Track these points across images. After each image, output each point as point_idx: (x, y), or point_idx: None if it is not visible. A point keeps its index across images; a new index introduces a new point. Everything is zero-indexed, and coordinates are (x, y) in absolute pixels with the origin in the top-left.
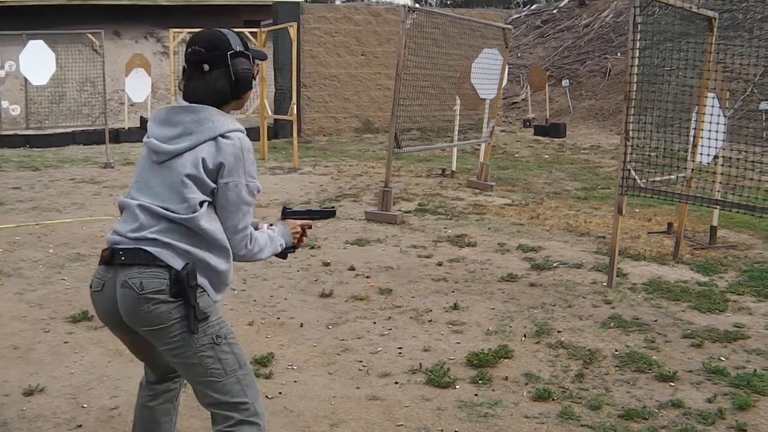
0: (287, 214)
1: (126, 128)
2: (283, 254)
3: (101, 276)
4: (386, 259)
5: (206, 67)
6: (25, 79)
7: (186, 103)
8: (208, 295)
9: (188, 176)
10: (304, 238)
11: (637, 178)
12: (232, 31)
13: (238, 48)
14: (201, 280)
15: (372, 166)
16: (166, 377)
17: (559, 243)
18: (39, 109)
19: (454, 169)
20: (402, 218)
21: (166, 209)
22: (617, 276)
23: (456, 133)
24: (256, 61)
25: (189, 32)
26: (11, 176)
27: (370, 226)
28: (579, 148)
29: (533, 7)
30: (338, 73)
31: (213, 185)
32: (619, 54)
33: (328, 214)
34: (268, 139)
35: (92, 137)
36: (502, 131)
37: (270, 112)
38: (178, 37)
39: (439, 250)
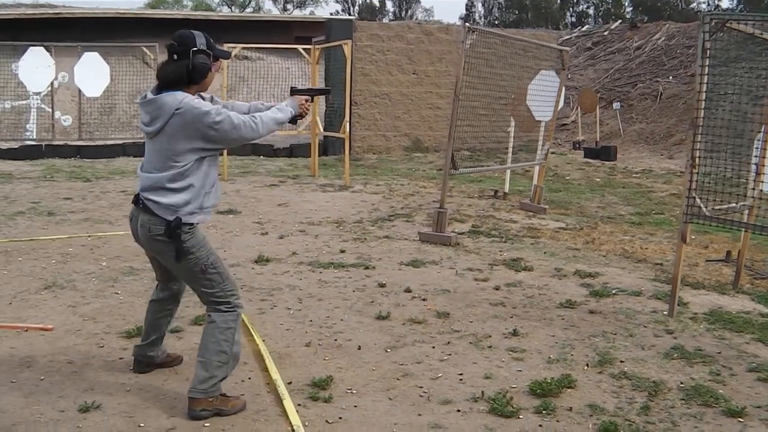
0: (294, 91)
1: None
2: (293, 121)
3: (133, 212)
4: (442, 281)
5: (175, 56)
6: (79, 90)
7: (149, 97)
8: (195, 226)
9: (168, 146)
10: (308, 109)
11: (702, 206)
12: (203, 33)
13: (201, 47)
14: (190, 210)
15: (423, 185)
16: (170, 279)
17: (616, 269)
18: (90, 120)
19: (506, 190)
20: (456, 240)
21: (157, 171)
22: (678, 305)
23: (510, 154)
24: (219, 60)
25: (243, 47)
26: (63, 187)
27: (424, 247)
28: (630, 171)
29: (584, 29)
30: (389, 92)
31: (190, 145)
32: (670, 77)
33: (325, 92)
34: (318, 155)
35: (143, 149)
36: (552, 153)
37: (321, 129)
38: (231, 51)
39: (495, 273)
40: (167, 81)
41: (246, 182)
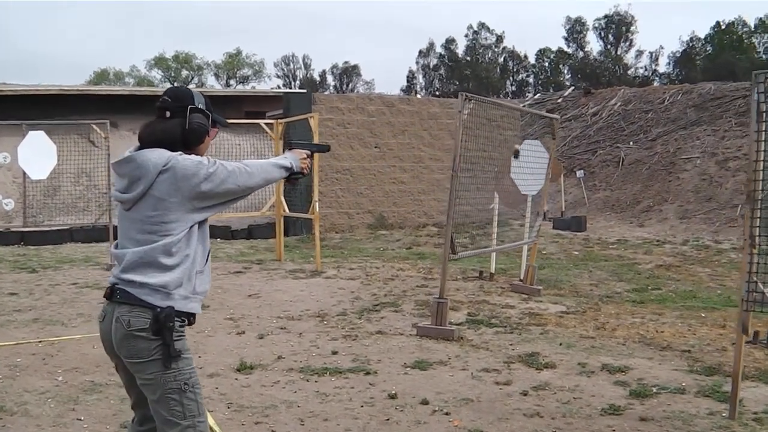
0: (294, 145)
1: None
2: (294, 178)
3: (104, 309)
4: (460, 388)
5: (168, 113)
6: (23, 173)
7: (126, 154)
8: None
9: (154, 214)
10: (307, 165)
11: (766, 291)
12: (200, 92)
13: (200, 105)
14: (184, 295)
15: (400, 268)
16: (147, 416)
17: (643, 360)
18: (33, 202)
19: (492, 271)
20: (459, 334)
21: (141, 247)
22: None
23: (495, 231)
24: (217, 126)
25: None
26: (7, 279)
27: (425, 343)
28: (606, 242)
29: (536, 97)
30: (351, 167)
31: (183, 208)
32: (631, 143)
33: (324, 148)
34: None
35: (91, 234)
36: (520, 225)
37: (287, 210)
38: None
39: (515, 374)
40: (154, 141)
41: None
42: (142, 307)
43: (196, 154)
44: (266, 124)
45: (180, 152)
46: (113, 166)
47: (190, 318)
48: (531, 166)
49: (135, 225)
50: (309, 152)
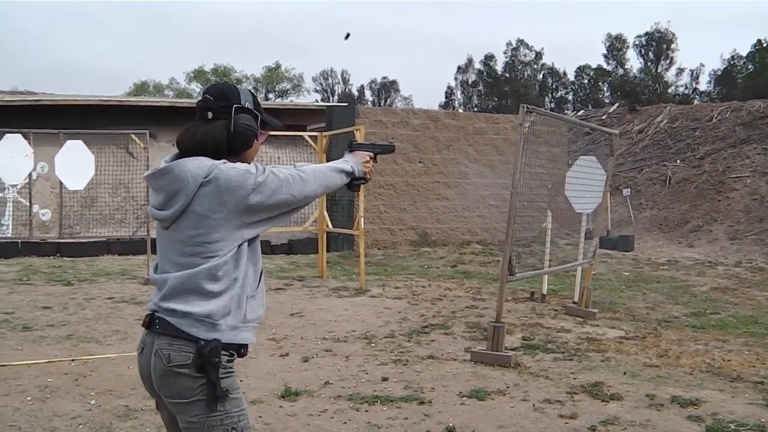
0: (354, 146)
1: None
2: (356, 185)
3: (143, 339)
4: (522, 421)
5: (210, 114)
6: (60, 183)
7: (162, 166)
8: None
9: (196, 233)
10: (370, 169)
11: None
12: (250, 91)
13: (247, 105)
14: (233, 325)
15: (448, 287)
16: None
17: (714, 392)
18: (69, 213)
19: (544, 292)
20: (516, 360)
21: (182, 271)
22: None
23: (548, 251)
24: (268, 129)
25: None
26: (41, 292)
27: (480, 370)
28: (656, 263)
29: (580, 113)
30: (394, 182)
31: (229, 224)
32: (678, 161)
33: (389, 148)
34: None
35: (128, 247)
36: (567, 245)
37: (330, 225)
38: None
39: (579, 406)
40: (196, 147)
41: None
42: (185, 339)
43: (243, 161)
44: (310, 136)
45: (224, 160)
46: (148, 180)
47: (240, 350)
48: (586, 183)
49: (175, 246)
50: (372, 154)
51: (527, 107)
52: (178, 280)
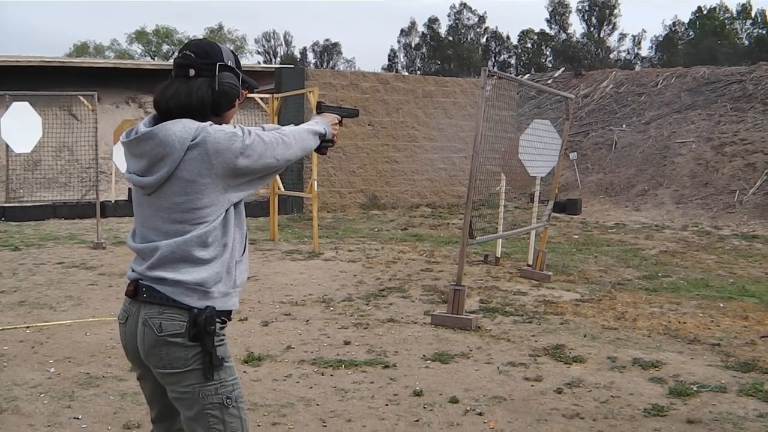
0: (323, 108)
1: (113, 201)
2: (324, 147)
3: (126, 308)
4: (488, 384)
5: (192, 72)
6: (7, 146)
7: (144, 130)
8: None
9: (185, 198)
10: (338, 132)
11: None
12: (231, 50)
13: (230, 63)
14: (224, 291)
15: (401, 250)
16: (172, 419)
17: (673, 354)
18: (12, 176)
19: (498, 255)
20: (477, 323)
21: (171, 239)
22: None
23: (501, 214)
24: (246, 88)
25: None
26: None
27: (442, 333)
28: (604, 227)
29: (525, 78)
30: (344, 144)
31: (217, 187)
32: (624, 126)
33: (354, 112)
34: (269, 216)
35: (75, 211)
36: (515, 207)
37: (282, 188)
38: None
39: (543, 368)
40: (179, 107)
41: None
42: (177, 308)
43: (223, 122)
44: (261, 98)
45: (209, 122)
46: (127, 145)
47: (229, 317)
48: (540, 147)
49: (160, 213)
50: (340, 117)
51: (489, 70)
52: (168, 248)
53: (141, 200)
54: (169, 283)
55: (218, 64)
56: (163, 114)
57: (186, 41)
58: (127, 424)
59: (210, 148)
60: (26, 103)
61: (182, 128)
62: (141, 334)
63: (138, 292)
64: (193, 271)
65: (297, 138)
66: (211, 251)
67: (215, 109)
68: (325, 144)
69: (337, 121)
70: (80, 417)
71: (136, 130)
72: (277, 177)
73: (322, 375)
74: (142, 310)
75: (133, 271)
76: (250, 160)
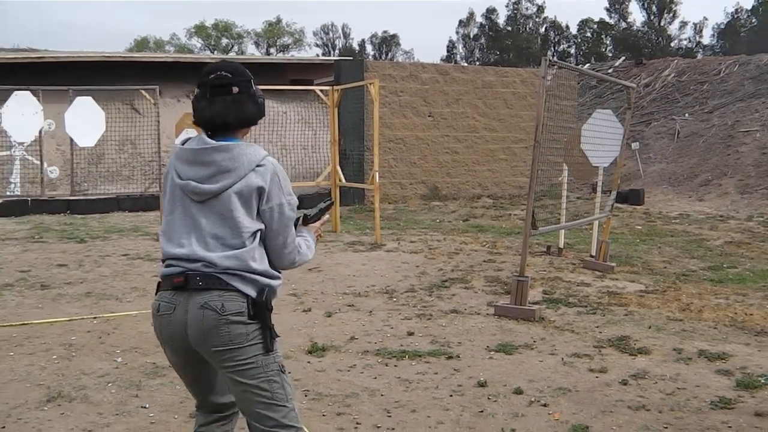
0: (307, 219)
1: None
2: None
3: (170, 299)
4: (552, 375)
5: (235, 89)
6: (71, 140)
7: (213, 143)
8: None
9: (236, 211)
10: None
11: None
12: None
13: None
14: (275, 275)
15: (463, 241)
16: (213, 398)
17: (740, 346)
18: (77, 170)
19: (561, 246)
20: (540, 314)
21: (224, 244)
22: None
23: (564, 205)
24: None
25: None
26: (55, 250)
27: (505, 324)
28: (667, 217)
29: (585, 67)
30: (404, 136)
31: (257, 212)
32: (686, 115)
33: (330, 205)
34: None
35: (138, 203)
36: (577, 198)
37: (343, 179)
38: None
39: (608, 360)
40: (240, 120)
41: None
42: (234, 292)
43: (246, 132)
44: (321, 91)
45: (279, 167)
46: (193, 153)
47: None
48: (603, 137)
49: (209, 219)
50: (324, 220)
51: (549, 60)
52: (229, 258)
53: (189, 206)
54: (229, 275)
55: (251, 80)
56: (221, 127)
57: (216, 61)
58: (193, 413)
59: (267, 175)
60: (89, 98)
61: (253, 151)
62: (199, 318)
63: (190, 281)
64: (249, 264)
65: (308, 253)
66: (259, 251)
67: (257, 120)
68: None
69: (319, 227)
70: (147, 406)
71: (202, 140)
72: (339, 169)
73: (386, 365)
74: (194, 297)
75: (176, 266)
76: (280, 213)
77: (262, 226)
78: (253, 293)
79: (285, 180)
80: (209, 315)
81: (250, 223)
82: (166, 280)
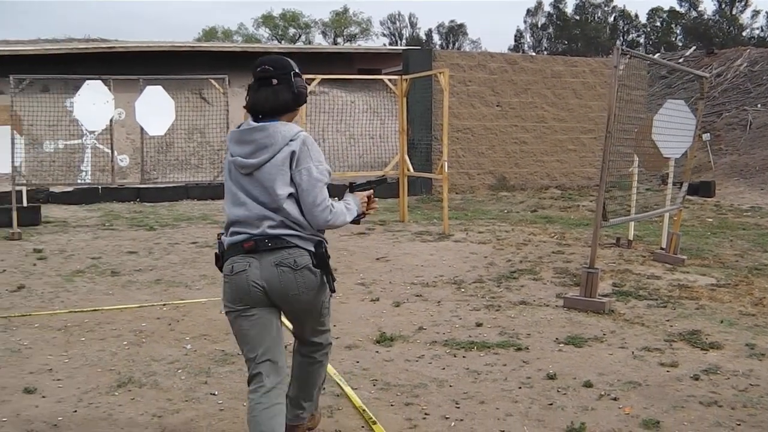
0: (354, 188)
1: None
2: (356, 221)
3: (243, 261)
4: (622, 369)
5: (275, 81)
6: (141, 129)
7: (254, 124)
8: None
9: (275, 181)
10: (372, 206)
11: None
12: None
13: (298, 70)
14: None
15: (531, 232)
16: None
17: None
18: (146, 158)
19: (630, 238)
20: (610, 306)
21: (271, 209)
22: None
23: (634, 196)
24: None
25: (324, 78)
26: (125, 237)
27: (574, 316)
28: (739, 210)
29: (656, 57)
30: (472, 126)
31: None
32: (759, 105)
33: (381, 182)
34: (398, 197)
35: (207, 192)
36: (646, 189)
37: (411, 169)
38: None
39: (679, 354)
40: (276, 107)
41: None
42: (298, 248)
43: (291, 119)
44: (390, 80)
45: (309, 139)
46: (241, 133)
47: None
48: (674, 127)
49: (257, 187)
50: (370, 192)
51: (621, 49)
52: (276, 214)
53: (240, 177)
54: (288, 235)
55: (292, 72)
56: (261, 113)
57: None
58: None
59: (298, 146)
60: (159, 87)
61: (287, 128)
62: (276, 274)
63: (259, 245)
64: (303, 224)
65: (345, 215)
66: (296, 213)
67: (294, 106)
68: (358, 218)
69: (366, 199)
70: (216, 393)
71: (248, 123)
72: (407, 158)
73: (455, 356)
74: (266, 257)
75: (242, 232)
76: (310, 177)
77: (294, 190)
78: (311, 248)
79: (315, 150)
80: (285, 271)
81: (284, 189)
82: (235, 246)
